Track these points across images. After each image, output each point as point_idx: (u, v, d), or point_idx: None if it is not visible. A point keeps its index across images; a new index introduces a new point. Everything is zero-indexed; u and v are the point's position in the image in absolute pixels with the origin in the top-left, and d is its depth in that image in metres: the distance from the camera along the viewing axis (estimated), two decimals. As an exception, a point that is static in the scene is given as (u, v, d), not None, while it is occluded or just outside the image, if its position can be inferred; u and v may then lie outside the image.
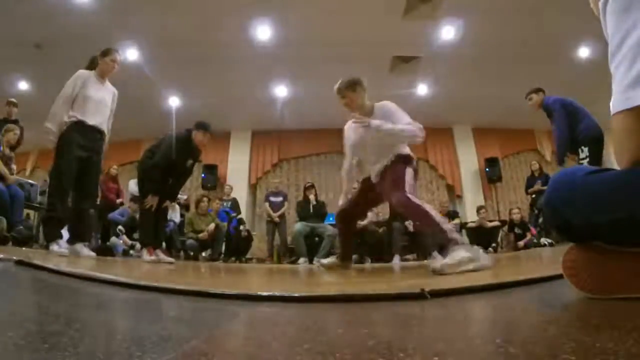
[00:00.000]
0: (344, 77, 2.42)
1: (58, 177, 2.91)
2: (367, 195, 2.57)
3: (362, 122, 2.27)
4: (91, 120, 2.98)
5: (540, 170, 6.03)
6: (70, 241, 2.95)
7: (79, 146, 2.90)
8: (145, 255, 3.34)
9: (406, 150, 2.41)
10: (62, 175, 2.88)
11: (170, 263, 3.26)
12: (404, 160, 2.34)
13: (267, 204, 6.19)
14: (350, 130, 2.55)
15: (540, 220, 5.54)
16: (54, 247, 2.81)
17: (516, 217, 5.94)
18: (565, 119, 3.64)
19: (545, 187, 4.48)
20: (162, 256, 3.42)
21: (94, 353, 0.45)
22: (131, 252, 4.56)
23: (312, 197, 5.40)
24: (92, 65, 3.11)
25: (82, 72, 3.04)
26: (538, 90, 3.93)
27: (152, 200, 3.34)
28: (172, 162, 3.37)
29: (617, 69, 0.70)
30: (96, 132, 3.02)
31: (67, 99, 2.92)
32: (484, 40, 5.29)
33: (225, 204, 6.26)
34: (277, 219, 6.02)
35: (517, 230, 5.87)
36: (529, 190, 6.01)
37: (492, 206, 7.39)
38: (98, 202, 4.54)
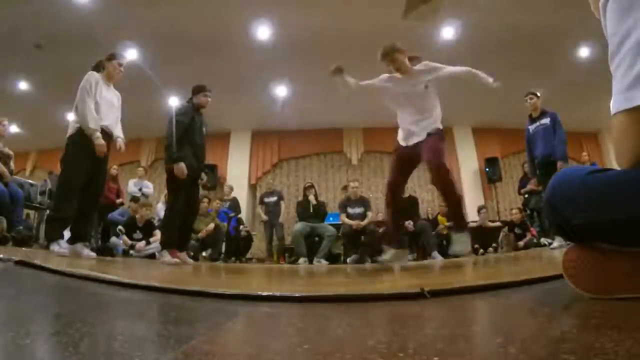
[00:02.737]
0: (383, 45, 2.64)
1: (67, 183, 2.87)
2: (405, 162, 2.78)
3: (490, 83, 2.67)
4: (104, 122, 2.96)
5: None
6: (71, 241, 2.94)
7: (90, 153, 2.86)
8: (167, 257, 3.01)
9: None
10: (71, 182, 2.85)
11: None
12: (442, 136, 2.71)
13: (260, 206, 6.36)
14: (392, 82, 2.72)
15: (535, 220, 5.54)
16: (55, 247, 2.81)
17: (516, 217, 5.93)
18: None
19: (537, 188, 4.57)
20: (185, 258, 3.33)
21: (94, 353, 0.45)
22: (131, 252, 4.56)
23: (312, 197, 5.40)
24: (97, 69, 3.08)
25: (94, 74, 3.00)
26: (538, 96, 4.28)
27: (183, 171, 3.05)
28: (191, 125, 3.24)
29: (617, 69, 0.70)
30: (106, 134, 2.99)
31: (90, 101, 2.88)
32: (484, 40, 5.28)
33: (225, 204, 6.27)
34: (265, 217, 6.17)
35: (517, 230, 5.87)
36: (522, 191, 6.02)
37: (492, 206, 7.39)
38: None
